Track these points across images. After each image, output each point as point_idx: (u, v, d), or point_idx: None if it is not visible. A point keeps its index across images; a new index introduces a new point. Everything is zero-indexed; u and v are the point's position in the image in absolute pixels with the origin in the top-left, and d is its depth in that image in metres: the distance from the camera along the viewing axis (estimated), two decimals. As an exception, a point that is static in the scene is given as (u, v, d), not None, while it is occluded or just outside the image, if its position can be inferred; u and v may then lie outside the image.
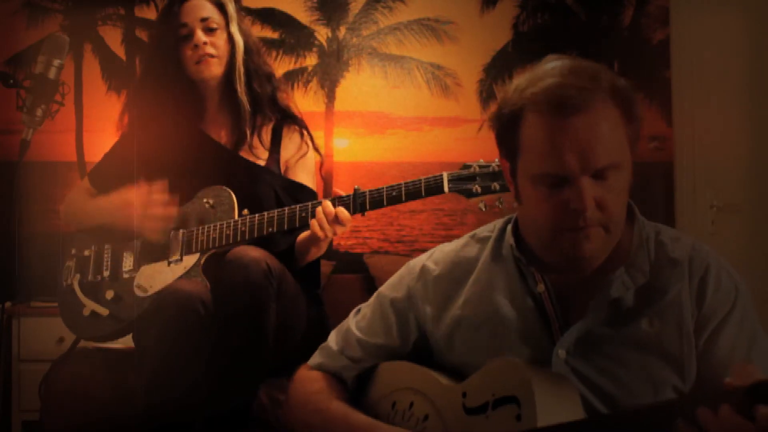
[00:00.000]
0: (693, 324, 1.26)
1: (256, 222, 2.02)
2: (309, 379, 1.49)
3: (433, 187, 1.91)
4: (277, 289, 1.91)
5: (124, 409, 2.02)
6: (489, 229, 1.44)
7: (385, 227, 4.11)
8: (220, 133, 2.25)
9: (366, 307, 1.51)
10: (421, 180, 1.92)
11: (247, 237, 2.02)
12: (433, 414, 1.32)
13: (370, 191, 1.97)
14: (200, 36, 2.15)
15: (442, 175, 1.90)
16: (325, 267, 3.82)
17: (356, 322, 1.50)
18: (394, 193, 1.94)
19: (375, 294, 1.51)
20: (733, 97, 3.78)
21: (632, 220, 1.34)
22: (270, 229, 2.01)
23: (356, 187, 1.99)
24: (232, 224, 2.05)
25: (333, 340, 1.52)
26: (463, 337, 1.36)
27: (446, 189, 1.89)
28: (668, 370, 1.25)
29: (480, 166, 1.88)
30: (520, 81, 1.27)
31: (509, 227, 1.39)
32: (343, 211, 1.95)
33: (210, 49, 2.16)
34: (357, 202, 1.96)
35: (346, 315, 1.58)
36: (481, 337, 1.34)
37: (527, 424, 1.14)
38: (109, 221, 2.19)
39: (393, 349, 1.45)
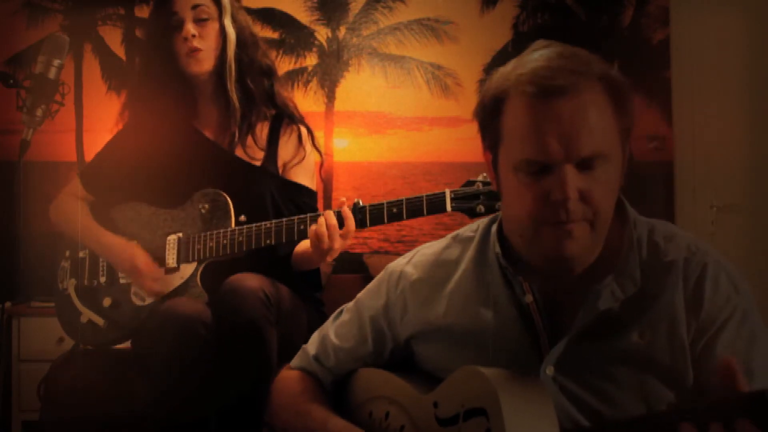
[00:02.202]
0: (690, 334, 1.18)
1: (254, 233, 1.98)
2: (290, 380, 1.47)
3: (436, 205, 1.84)
4: (276, 315, 1.88)
5: (123, 409, 2.02)
6: (472, 229, 1.37)
7: (385, 227, 4.11)
8: (214, 130, 2.18)
9: (346, 312, 1.47)
10: (423, 197, 1.85)
11: (244, 248, 1.99)
12: (408, 426, 1.29)
13: (370, 206, 1.91)
14: (189, 28, 2.06)
15: (444, 193, 1.83)
16: (325, 267, 3.82)
17: (335, 327, 1.47)
18: (394, 210, 1.87)
19: (355, 299, 1.47)
20: (733, 97, 3.78)
21: (623, 218, 1.25)
22: (268, 241, 1.97)
23: (357, 200, 1.93)
24: (229, 234, 2.01)
25: (313, 343, 1.49)
26: (444, 347, 1.31)
27: (449, 207, 1.82)
28: (661, 385, 1.18)
29: (484, 183, 1.82)
30: (505, 67, 1.20)
31: (494, 228, 1.32)
32: (349, 218, 1.88)
33: (198, 43, 2.07)
34: (357, 217, 1.90)
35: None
36: (463, 349, 1.28)
37: None
38: (98, 253, 2.17)
39: (368, 359, 1.42)
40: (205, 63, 2.09)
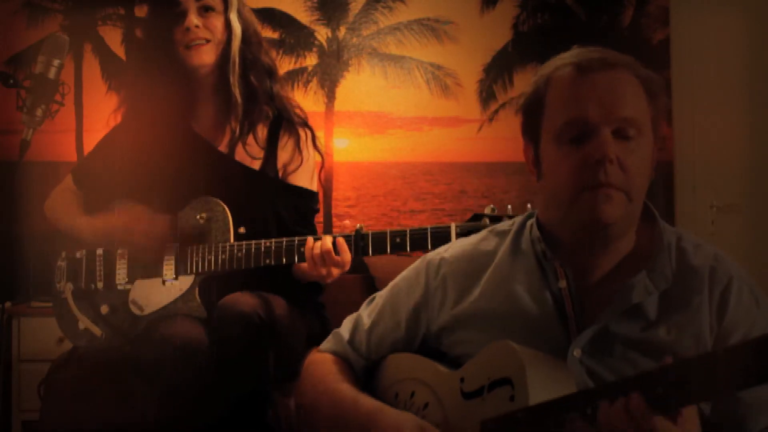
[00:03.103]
0: (713, 337, 1.25)
1: (253, 251, 1.96)
2: (321, 362, 1.50)
3: (440, 239, 1.81)
4: (271, 335, 1.87)
5: (124, 409, 2.01)
6: (508, 224, 1.44)
7: (385, 227, 4.09)
8: (211, 130, 2.14)
9: (380, 297, 1.51)
10: (427, 229, 1.84)
11: (243, 266, 1.98)
12: (433, 401, 1.33)
13: (372, 234, 1.89)
14: (192, 19, 2.01)
15: (449, 227, 1.81)
16: (325, 267, 3.82)
17: (368, 312, 1.51)
18: (398, 240, 1.86)
19: (390, 286, 1.51)
20: (733, 97, 3.77)
21: (652, 223, 1.33)
22: (267, 261, 1.95)
23: (359, 226, 1.91)
24: (228, 249, 1.99)
25: (346, 327, 1.53)
26: (477, 331, 1.35)
27: None
28: None
29: (491, 219, 1.78)
30: (547, 63, 1.33)
31: (529, 222, 1.39)
32: (345, 252, 1.86)
33: (203, 33, 2.03)
34: (359, 244, 1.89)
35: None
36: (495, 332, 1.32)
37: (520, 404, 1.15)
38: (93, 241, 2.15)
39: (400, 344, 1.45)
40: (208, 55, 2.05)
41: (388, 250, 1.87)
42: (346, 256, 1.88)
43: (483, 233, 1.46)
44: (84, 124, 3.96)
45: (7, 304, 3.41)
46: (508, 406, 1.17)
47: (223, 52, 2.07)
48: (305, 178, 2.18)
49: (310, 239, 1.90)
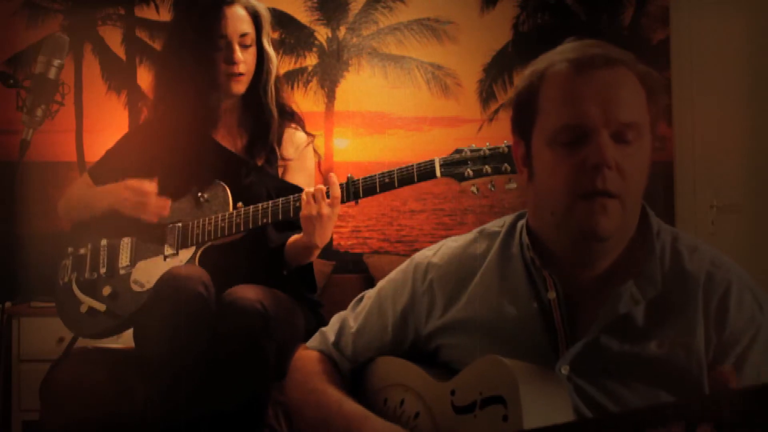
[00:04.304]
0: (710, 351, 1.17)
1: (251, 213, 2.01)
2: (309, 360, 1.47)
3: (426, 172, 1.89)
4: (274, 323, 1.89)
5: (124, 409, 2.02)
6: (499, 225, 1.37)
7: (385, 227, 4.11)
8: (236, 144, 2.21)
9: (367, 299, 1.47)
10: (413, 165, 1.90)
11: (242, 228, 2.01)
12: (423, 412, 1.30)
13: (363, 179, 1.96)
14: (239, 55, 2.11)
15: (434, 160, 1.88)
16: (325, 267, 3.82)
17: (355, 314, 1.46)
18: (386, 180, 1.92)
19: (377, 288, 1.46)
20: (733, 97, 3.78)
21: (647, 227, 1.25)
22: (264, 220, 1.99)
23: (349, 175, 1.97)
24: (227, 216, 2.03)
25: (332, 328, 1.48)
26: (463, 339, 1.31)
27: (438, 174, 1.87)
28: (676, 394, 1.16)
29: (471, 151, 1.87)
30: (540, 58, 1.24)
31: (520, 224, 1.32)
32: (334, 184, 1.93)
33: (243, 68, 2.12)
34: (350, 190, 1.95)
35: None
36: (481, 341, 1.28)
37: (513, 425, 1.11)
38: (104, 208, 2.17)
39: (387, 348, 1.41)
40: (242, 86, 2.15)
41: (378, 190, 1.94)
42: (336, 190, 1.94)
43: (473, 234, 1.39)
44: (84, 124, 3.97)
45: (7, 304, 3.41)
46: (500, 425, 1.13)
47: (254, 78, 2.18)
48: (305, 179, 2.22)
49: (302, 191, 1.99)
